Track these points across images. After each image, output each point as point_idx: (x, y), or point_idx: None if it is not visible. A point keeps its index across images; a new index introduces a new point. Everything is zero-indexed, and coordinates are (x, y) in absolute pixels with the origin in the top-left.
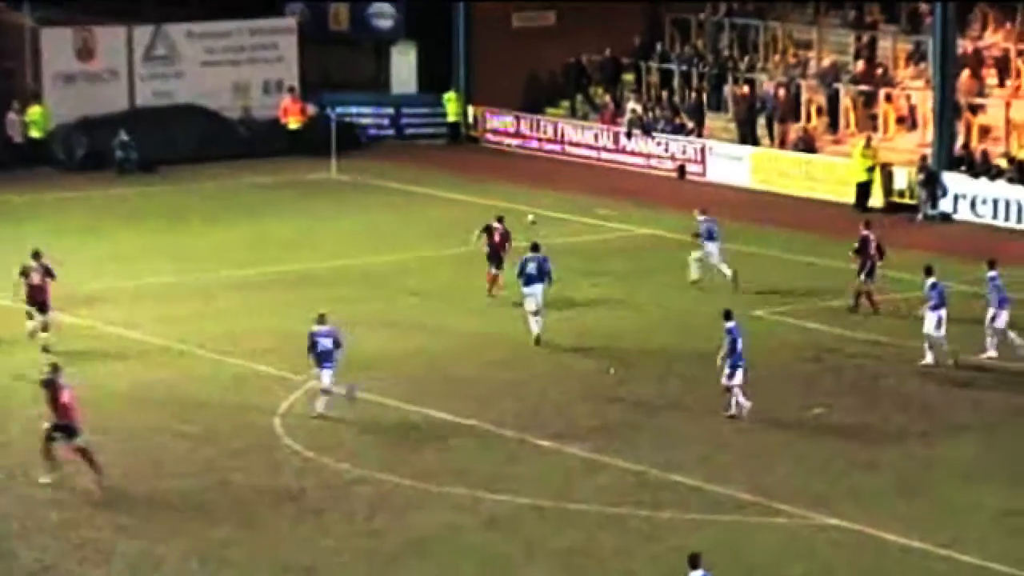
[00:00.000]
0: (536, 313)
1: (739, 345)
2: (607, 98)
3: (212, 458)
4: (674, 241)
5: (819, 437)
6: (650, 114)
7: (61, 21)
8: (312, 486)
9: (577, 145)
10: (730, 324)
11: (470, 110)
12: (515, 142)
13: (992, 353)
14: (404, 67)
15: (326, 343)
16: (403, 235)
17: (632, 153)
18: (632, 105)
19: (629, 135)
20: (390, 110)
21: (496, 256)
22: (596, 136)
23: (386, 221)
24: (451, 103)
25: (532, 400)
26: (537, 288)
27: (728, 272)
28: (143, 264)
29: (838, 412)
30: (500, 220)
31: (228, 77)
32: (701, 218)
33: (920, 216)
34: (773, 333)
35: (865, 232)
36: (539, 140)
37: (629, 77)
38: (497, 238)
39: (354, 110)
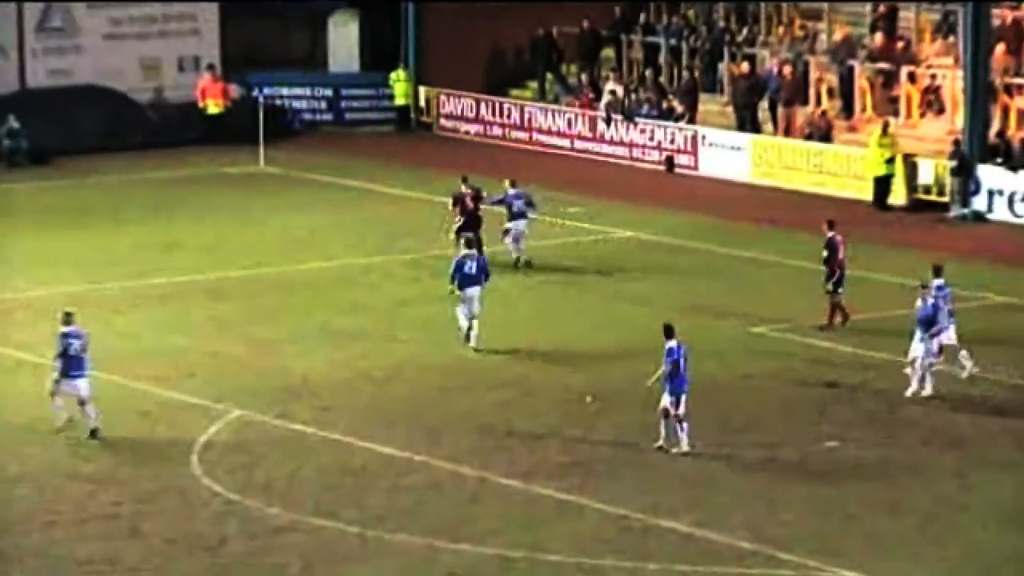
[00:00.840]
0: (472, 319)
1: (682, 367)
2: (582, 77)
3: (116, 503)
4: (661, 246)
5: (831, 475)
6: (632, 96)
7: None
8: (235, 534)
9: (547, 133)
10: (671, 343)
11: (422, 92)
12: (474, 129)
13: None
14: (344, 41)
15: (77, 347)
16: (342, 238)
17: (611, 142)
18: (611, 86)
19: (608, 121)
20: (328, 92)
21: (474, 219)
22: (569, 122)
23: (322, 221)
24: (399, 84)
25: (495, 432)
26: (476, 291)
27: (514, 253)
28: (34, 273)
29: (854, 446)
30: (465, 180)
31: (136, 53)
32: (512, 191)
33: (953, 213)
34: (776, 353)
35: (831, 233)
36: (502, 127)
37: (608, 53)
38: (470, 203)
39: (285, 92)
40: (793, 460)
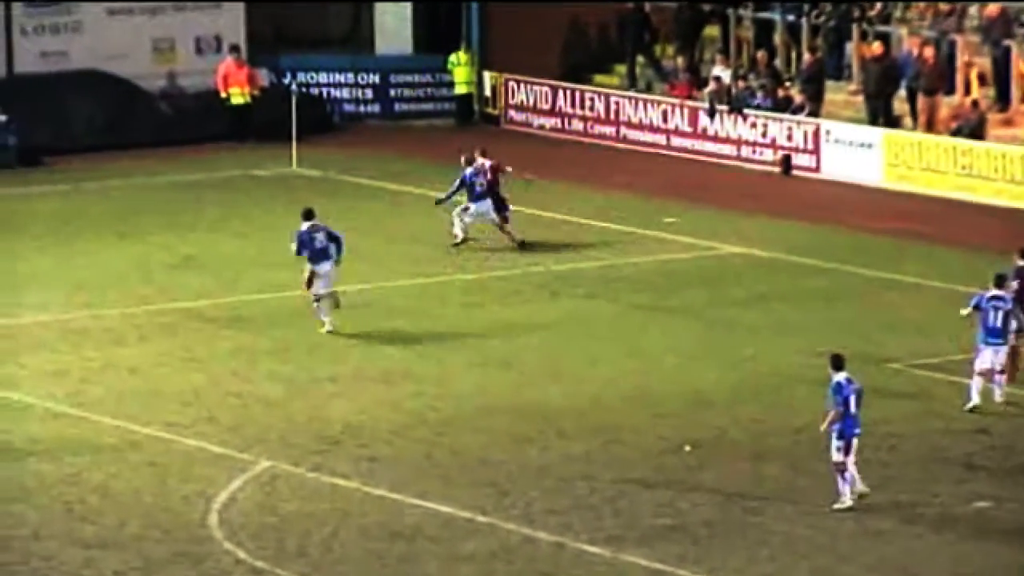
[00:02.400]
0: (328, 298)
1: (852, 406)
2: (680, 61)
3: (119, 572)
4: (775, 264)
5: (980, 541)
6: (741, 84)
7: None
8: None
9: (638, 127)
10: (839, 377)
11: (487, 78)
12: (549, 122)
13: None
14: (393, 18)
15: None
16: (390, 253)
17: (716, 139)
18: (716, 71)
19: (712, 113)
20: (374, 78)
21: (496, 198)
22: (665, 115)
23: (366, 235)
24: (460, 68)
25: (574, 489)
26: (328, 266)
27: (459, 235)
28: (22, 295)
29: (1008, 507)
30: (484, 154)
31: (145, 32)
32: (469, 170)
33: None
34: (916, 394)
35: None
36: (583, 120)
37: (713, 31)
38: (489, 175)
39: (323, 78)
40: (935, 523)
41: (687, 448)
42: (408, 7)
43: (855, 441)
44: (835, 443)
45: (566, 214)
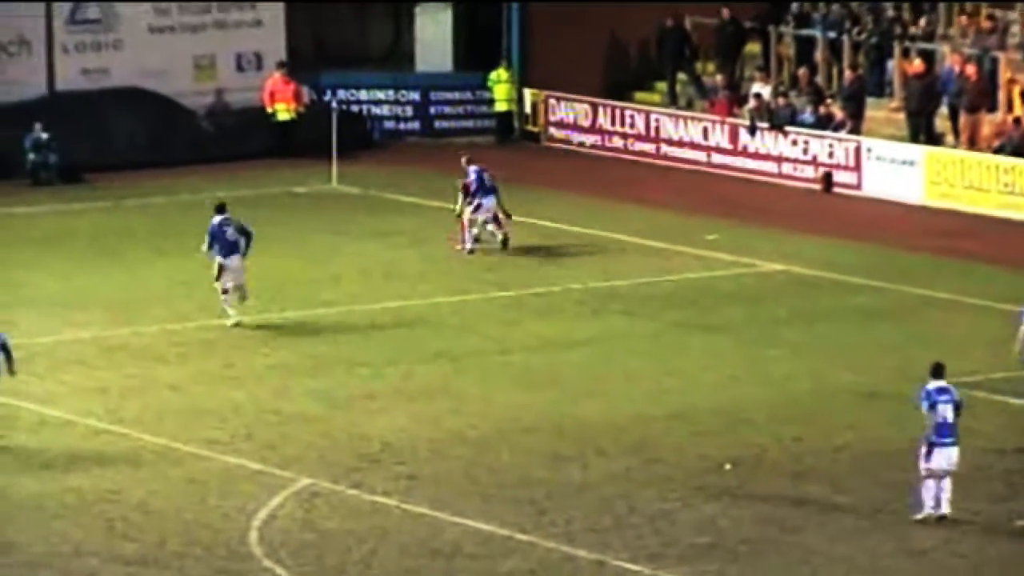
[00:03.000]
0: (236, 291)
1: (940, 415)
2: (720, 78)
3: None
4: (816, 282)
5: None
6: (782, 101)
7: None
8: None
9: (678, 144)
10: (931, 385)
11: (527, 95)
12: (590, 140)
13: None
14: (434, 35)
15: None
16: (429, 271)
17: (756, 156)
18: (757, 88)
19: (752, 130)
20: (414, 95)
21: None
22: (705, 132)
23: (405, 252)
24: (500, 86)
25: (614, 507)
26: (237, 260)
27: (469, 244)
28: (63, 312)
29: None
30: (470, 162)
31: (186, 49)
32: (472, 169)
33: None
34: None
35: None
36: (624, 137)
37: (753, 48)
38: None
39: (363, 95)
40: (976, 541)
41: (727, 466)
42: (449, 25)
43: (941, 451)
44: (922, 449)
45: (606, 231)
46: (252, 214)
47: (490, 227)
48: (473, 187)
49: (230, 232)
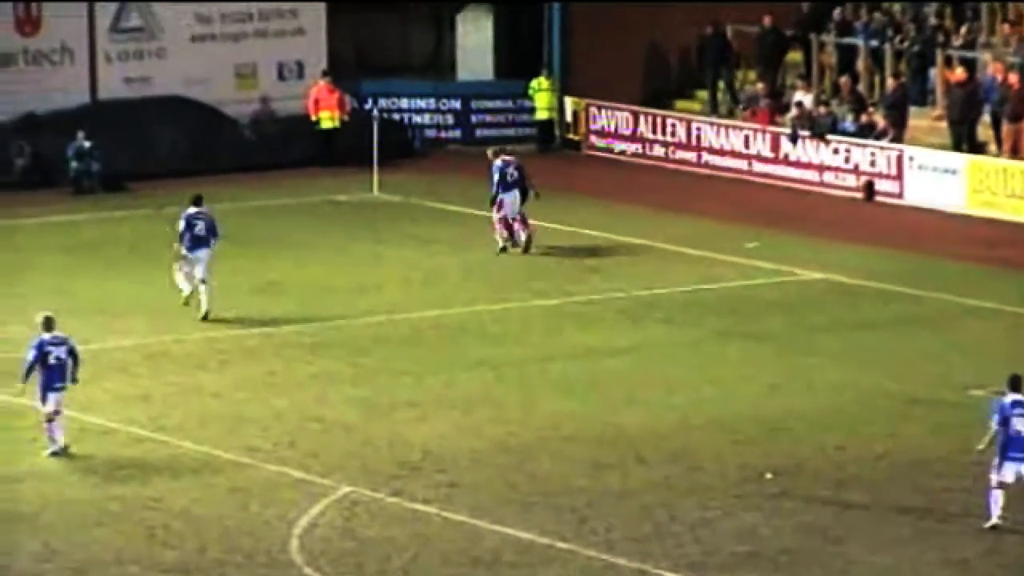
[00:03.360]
0: (203, 283)
1: (1013, 427)
2: (761, 86)
3: None
4: (858, 291)
5: None
6: (824, 109)
7: None
8: None
9: (719, 153)
10: (1007, 398)
11: (568, 103)
12: (631, 148)
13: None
14: (475, 43)
15: (61, 354)
16: (470, 279)
17: (798, 164)
18: (798, 96)
19: (794, 139)
20: (455, 104)
21: (524, 192)
22: (747, 140)
23: (446, 260)
24: (541, 94)
25: (655, 516)
26: (205, 253)
27: (523, 235)
28: (105, 320)
29: None
30: (508, 153)
31: (228, 58)
32: (499, 162)
33: None
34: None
35: None
36: (665, 146)
37: (795, 56)
38: (517, 173)
39: (404, 104)
40: (1019, 551)
41: (768, 475)
42: (490, 33)
43: (1012, 465)
44: (1008, 464)
45: (647, 239)
46: (293, 222)
47: (516, 227)
48: (492, 182)
49: (200, 227)
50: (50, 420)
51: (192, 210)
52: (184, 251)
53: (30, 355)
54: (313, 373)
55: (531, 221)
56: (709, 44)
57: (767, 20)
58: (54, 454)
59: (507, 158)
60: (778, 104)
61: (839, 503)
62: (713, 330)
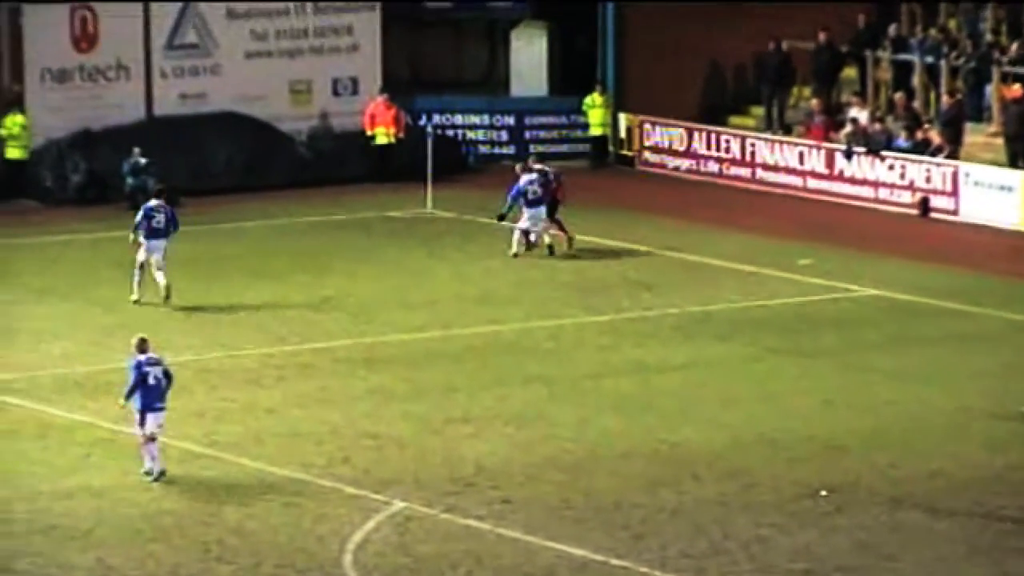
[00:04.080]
0: (159, 270)
1: None
2: (816, 103)
3: None
4: (913, 308)
5: None
6: (879, 126)
7: None
8: None
9: (774, 169)
10: None
11: (622, 119)
12: (685, 164)
13: None
14: (529, 59)
15: (158, 374)
16: (523, 296)
17: (853, 181)
18: (854, 113)
19: (849, 155)
20: (509, 120)
21: (552, 207)
22: (801, 156)
23: (500, 276)
24: (595, 110)
25: (709, 533)
26: (162, 243)
27: (545, 238)
28: (159, 337)
29: None
30: (540, 159)
31: (282, 74)
32: (525, 178)
33: None
34: None
35: None
36: (719, 162)
37: (850, 72)
38: (553, 184)
39: (458, 120)
40: None
41: (823, 493)
42: (544, 49)
43: None
44: None
45: (701, 256)
46: (348, 238)
47: (552, 231)
48: (509, 198)
49: (158, 219)
50: (150, 440)
51: (153, 203)
52: (141, 239)
53: (131, 376)
54: (367, 389)
55: (569, 229)
56: (765, 59)
57: (822, 37)
58: (154, 477)
59: (536, 168)
60: (833, 120)
61: (894, 520)
62: (767, 347)
